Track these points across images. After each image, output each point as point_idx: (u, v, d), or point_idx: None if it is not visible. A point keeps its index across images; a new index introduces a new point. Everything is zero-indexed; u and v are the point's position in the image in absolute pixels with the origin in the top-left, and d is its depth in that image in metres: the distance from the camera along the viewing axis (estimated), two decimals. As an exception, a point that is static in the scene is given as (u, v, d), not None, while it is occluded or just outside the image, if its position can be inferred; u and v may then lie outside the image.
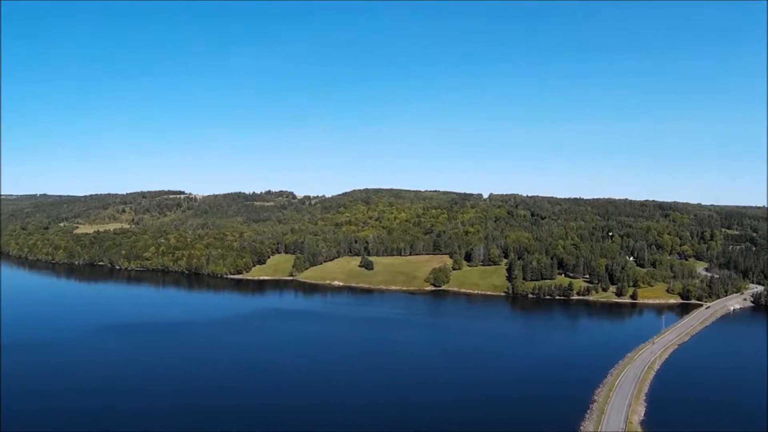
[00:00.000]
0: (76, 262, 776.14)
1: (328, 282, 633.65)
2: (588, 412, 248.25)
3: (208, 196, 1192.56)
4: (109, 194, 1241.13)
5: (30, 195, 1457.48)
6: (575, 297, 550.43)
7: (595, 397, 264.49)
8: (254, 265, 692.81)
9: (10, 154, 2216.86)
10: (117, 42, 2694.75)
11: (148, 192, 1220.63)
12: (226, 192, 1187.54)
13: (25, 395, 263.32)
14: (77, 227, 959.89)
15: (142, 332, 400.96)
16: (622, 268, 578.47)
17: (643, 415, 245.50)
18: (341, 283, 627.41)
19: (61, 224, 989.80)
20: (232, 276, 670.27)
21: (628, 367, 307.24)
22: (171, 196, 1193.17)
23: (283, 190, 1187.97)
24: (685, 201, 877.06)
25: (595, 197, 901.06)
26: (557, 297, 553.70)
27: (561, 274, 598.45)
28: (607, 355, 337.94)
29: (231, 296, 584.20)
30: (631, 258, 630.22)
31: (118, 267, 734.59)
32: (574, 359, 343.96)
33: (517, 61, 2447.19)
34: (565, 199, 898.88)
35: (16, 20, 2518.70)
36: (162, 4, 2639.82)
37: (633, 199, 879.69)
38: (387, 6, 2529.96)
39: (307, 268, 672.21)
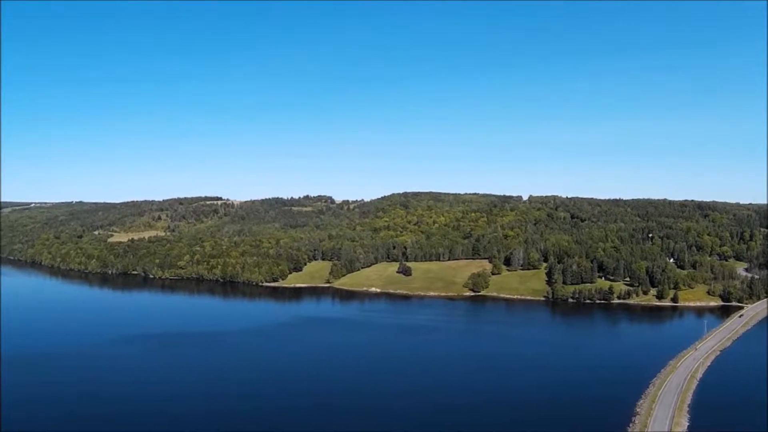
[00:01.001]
0: (110, 272, 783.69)
1: (365, 289, 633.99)
2: (630, 425, 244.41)
3: (246, 201, 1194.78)
4: (145, 201, 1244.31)
5: (66, 203, 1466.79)
6: (616, 301, 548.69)
7: (638, 409, 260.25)
8: (290, 273, 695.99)
9: (44, 161, 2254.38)
10: (152, 47, 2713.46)
11: (185, 198, 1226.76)
12: (264, 197, 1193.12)
13: (60, 404, 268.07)
14: (112, 235, 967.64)
15: (172, 342, 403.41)
16: (663, 271, 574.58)
17: (686, 428, 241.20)
18: (378, 290, 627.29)
19: (96, 232, 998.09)
20: (267, 284, 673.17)
21: (671, 376, 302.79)
22: (208, 203, 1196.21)
23: (322, 194, 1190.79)
24: (723, 200, 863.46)
25: (635, 197, 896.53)
26: (597, 301, 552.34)
27: (601, 277, 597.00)
28: (649, 362, 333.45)
29: (267, 304, 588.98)
30: (671, 260, 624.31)
31: (151, 276, 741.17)
32: (616, 368, 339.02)
33: (553, 60, 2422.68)
34: (604, 200, 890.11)
35: (47, 27, 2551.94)
36: (196, 6, 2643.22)
37: (672, 199, 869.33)
38: (424, 6, 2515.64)
39: (344, 275, 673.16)
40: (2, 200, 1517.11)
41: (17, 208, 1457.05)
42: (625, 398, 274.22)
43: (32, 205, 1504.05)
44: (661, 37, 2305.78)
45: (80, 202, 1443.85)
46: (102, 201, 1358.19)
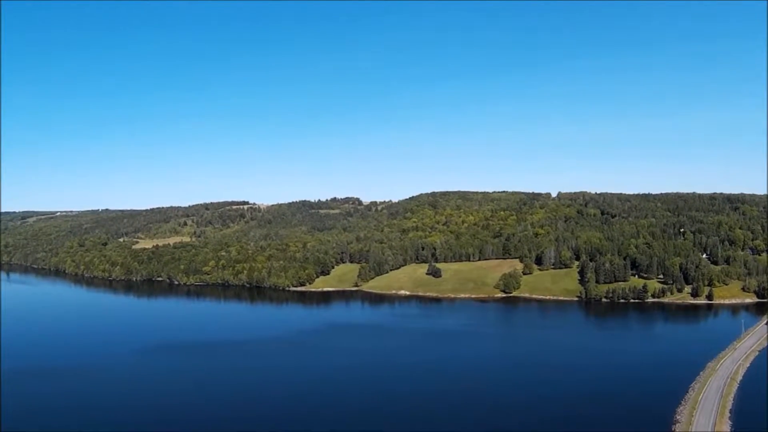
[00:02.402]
0: (134, 278, 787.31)
1: (393, 291, 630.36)
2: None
3: (273, 205, 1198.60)
4: (171, 207, 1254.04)
5: (92, 210, 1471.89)
6: (650, 299, 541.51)
7: (678, 417, 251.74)
8: (317, 276, 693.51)
9: (69, 169, 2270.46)
10: (177, 53, 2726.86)
11: (211, 203, 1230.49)
12: (291, 200, 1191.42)
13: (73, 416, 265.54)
14: (137, 242, 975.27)
15: (195, 352, 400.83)
16: (697, 267, 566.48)
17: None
18: (408, 292, 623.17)
19: (121, 239, 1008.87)
20: (294, 288, 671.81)
21: (711, 379, 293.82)
22: (234, 207, 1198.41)
23: (349, 196, 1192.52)
24: (751, 192, 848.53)
25: (664, 192, 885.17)
26: (632, 300, 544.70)
27: (634, 275, 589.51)
28: (686, 365, 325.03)
29: (294, 309, 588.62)
30: (704, 255, 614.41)
31: (176, 282, 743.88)
32: (653, 372, 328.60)
33: (578, 57, 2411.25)
34: (634, 195, 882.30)
35: (71, 37, 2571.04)
36: (220, 9, 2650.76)
37: (701, 192, 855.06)
38: (450, 5, 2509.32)
39: (372, 278, 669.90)
40: (27, 209, 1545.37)
41: (42, 217, 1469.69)
42: (663, 405, 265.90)
43: (58, 213, 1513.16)
44: (683, 30, 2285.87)
45: (106, 209, 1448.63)
46: (128, 208, 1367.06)
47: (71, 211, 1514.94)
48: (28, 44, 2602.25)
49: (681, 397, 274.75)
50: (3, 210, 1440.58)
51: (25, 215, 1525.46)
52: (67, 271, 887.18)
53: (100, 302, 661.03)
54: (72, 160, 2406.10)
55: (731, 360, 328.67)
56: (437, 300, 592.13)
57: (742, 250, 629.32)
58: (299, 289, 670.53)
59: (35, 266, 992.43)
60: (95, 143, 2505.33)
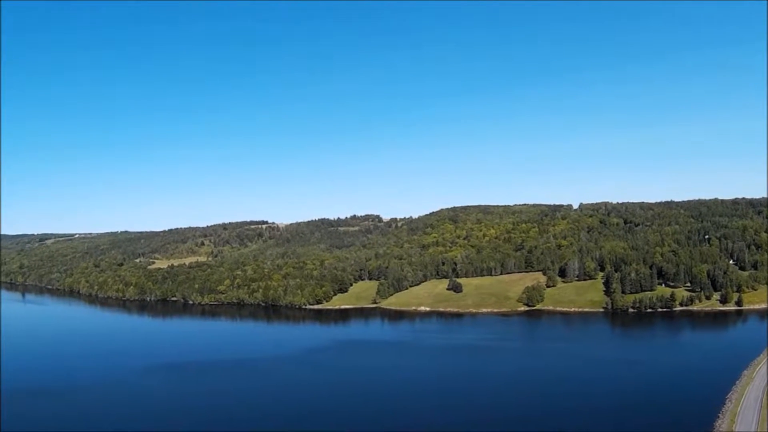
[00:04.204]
0: (148, 299, 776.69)
1: (413, 308, 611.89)
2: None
3: (291, 224, 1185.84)
4: (189, 228, 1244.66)
5: (110, 233, 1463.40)
6: (678, 308, 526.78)
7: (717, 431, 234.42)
8: (335, 294, 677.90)
9: (88, 192, 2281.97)
10: (192, 75, 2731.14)
11: (229, 224, 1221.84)
12: (310, 219, 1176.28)
13: None
14: (153, 263, 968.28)
15: (200, 371, 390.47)
16: (725, 273, 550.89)
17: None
18: (428, 308, 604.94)
19: (137, 260, 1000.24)
20: (311, 306, 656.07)
21: (748, 389, 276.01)
22: (252, 227, 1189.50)
23: (369, 213, 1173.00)
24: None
25: (686, 199, 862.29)
26: (659, 309, 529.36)
27: (661, 284, 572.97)
28: (721, 374, 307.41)
29: (310, 328, 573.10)
30: (731, 261, 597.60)
31: (191, 302, 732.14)
32: (686, 383, 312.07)
33: (590, 69, 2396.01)
34: (656, 203, 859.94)
35: (88, 58, 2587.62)
36: (237, 32, 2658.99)
37: (723, 198, 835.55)
38: (464, 19, 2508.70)
39: (391, 294, 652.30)
40: (45, 232, 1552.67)
41: (60, 239, 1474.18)
42: (701, 418, 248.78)
43: (76, 235, 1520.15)
44: (695, 36, 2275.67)
45: (125, 231, 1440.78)
46: (147, 230, 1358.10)
47: (90, 234, 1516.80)
48: (42, 72, 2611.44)
49: (719, 409, 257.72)
50: (22, 232, 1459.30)
51: (43, 237, 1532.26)
52: (81, 292, 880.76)
53: (109, 323, 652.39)
54: (90, 182, 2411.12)
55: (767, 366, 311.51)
56: (458, 315, 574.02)
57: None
58: (316, 307, 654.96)
59: (50, 287, 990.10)
60: (112, 165, 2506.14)
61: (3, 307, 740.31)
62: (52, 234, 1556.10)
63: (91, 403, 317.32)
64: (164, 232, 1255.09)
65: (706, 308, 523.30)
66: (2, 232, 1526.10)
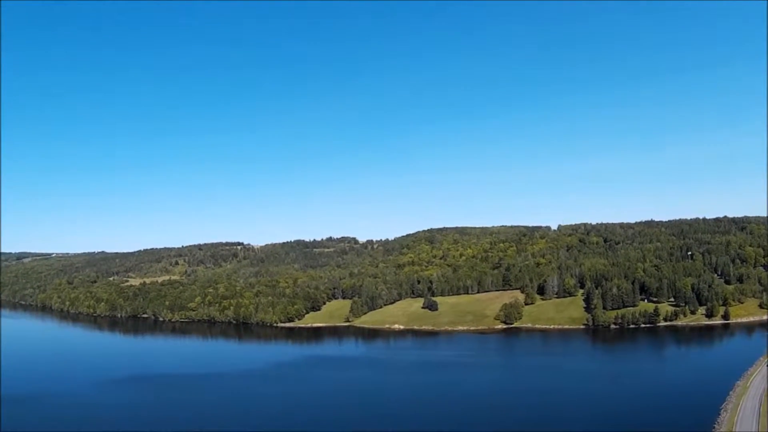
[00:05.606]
0: (119, 315, 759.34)
1: (387, 326, 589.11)
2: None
3: (266, 245, 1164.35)
4: (164, 248, 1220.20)
5: (87, 253, 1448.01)
6: (662, 323, 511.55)
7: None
8: (307, 312, 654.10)
9: (65, 212, 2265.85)
10: (176, 99, 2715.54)
11: (205, 244, 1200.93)
12: (285, 241, 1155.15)
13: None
14: (127, 281, 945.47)
15: (159, 384, 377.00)
16: (710, 287, 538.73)
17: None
18: (402, 327, 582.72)
19: (111, 278, 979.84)
20: (282, 324, 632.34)
21: (743, 399, 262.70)
22: (227, 247, 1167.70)
23: (345, 236, 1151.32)
24: (756, 215, 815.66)
25: (667, 219, 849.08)
26: (643, 325, 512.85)
27: (644, 299, 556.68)
28: (714, 386, 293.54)
29: (280, 346, 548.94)
30: (716, 275, 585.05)
31: (161, 319, 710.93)
32: (680, 397, 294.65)
33: (570, 92, 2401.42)
34: (636, 222, 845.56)
35: (69, 78, 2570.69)
36: (217, 55, 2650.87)
37: (705, 217, 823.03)
38: (443, 45, 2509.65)
39: (365, 313, 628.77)
40: (24, 251, 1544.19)
41: (37, 258, 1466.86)
42: (699, 425, 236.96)
43: (53, 255, 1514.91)
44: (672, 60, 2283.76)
45: (102, 252, 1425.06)
46: (123, 251, 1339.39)
47: (67, 253, 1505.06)
48: (29, 90, 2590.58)
49: (714, 420, 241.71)
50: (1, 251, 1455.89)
51: (20, 256, 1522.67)
52: (53, 308, 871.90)
53: (75, 338, 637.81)
54: (68, 203, 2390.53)
55: (761, 376, 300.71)
56: (434, 334, 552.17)
57: (754, 267, 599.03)
58: (287, 325, 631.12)
59: (23, 302, 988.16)
60: (91, 186, 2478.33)
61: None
62: (29, 253, 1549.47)
63: (47, 412, 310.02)
64: (139, 252, 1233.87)
65: (692, 323, 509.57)
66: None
